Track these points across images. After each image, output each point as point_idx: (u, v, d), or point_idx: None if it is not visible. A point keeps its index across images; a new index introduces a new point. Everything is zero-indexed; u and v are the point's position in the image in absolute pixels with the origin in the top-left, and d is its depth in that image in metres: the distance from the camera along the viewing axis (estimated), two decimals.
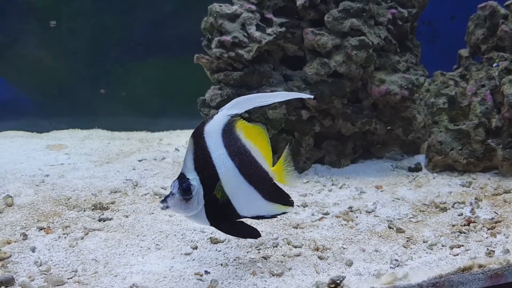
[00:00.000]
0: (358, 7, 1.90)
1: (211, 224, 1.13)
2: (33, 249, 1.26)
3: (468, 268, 1.16)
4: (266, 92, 1.84)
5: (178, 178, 1.09)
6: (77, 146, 2.48)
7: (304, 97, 1.29)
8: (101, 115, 2.88)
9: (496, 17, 2.06)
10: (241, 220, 1.16)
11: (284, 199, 1.17)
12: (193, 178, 1.08)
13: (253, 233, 1.17)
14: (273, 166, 1.16)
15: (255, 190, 1.13)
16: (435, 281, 1.12)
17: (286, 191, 1.18)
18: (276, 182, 1.16)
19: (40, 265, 1.18)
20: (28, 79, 2.80)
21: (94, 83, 2.87)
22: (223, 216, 1.13)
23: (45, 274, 1.14)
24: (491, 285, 1.17)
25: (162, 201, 1.09)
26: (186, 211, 1.09)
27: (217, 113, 1.12)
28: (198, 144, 1.09)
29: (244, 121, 1.14)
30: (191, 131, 3.01)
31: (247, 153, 1.13)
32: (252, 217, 1.16)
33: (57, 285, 1.10)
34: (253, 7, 1.95)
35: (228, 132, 1.12)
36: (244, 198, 1.12)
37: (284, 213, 1.18)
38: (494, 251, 1.27)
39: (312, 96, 1.30)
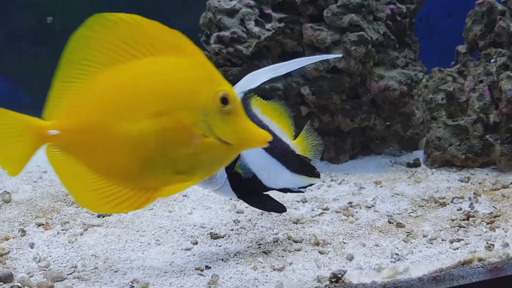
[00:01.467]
0: (357, 3, 1.91)
1: (238, 197, 1.18)
2: (31, 245, 1.25)
3: (468, 262, 1.16)
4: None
5: None
6: None
7: (324, 58, 1.29)
8: None
9: (493, 13, 2.07)
10: (268, 193, 1.20)
11: (310, 171, 1.20)
12: None
13: (278, 208, 1.21)
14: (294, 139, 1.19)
15: (279, 162, 1.16)
16: (435, 274, 1.12)
17: (310, 163, 1.21)
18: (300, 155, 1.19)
19: (39, 261, 1.17)
20: (25, 76, 2.79)
21: None
22: (249, 188, 1.16)
23: (44, 270, 1.13)
24: (491, 278, 1.17)
25: None
26: (211, 186, 1.14)
27: None
28: None
29: (259, 97, 1.15)
30: None
31: (265, 128, 1.15)
32: (280, 190, 1.19)
33: (56, 281, 1.08)
34: (252, 2, 1.95)
35: (245, 109, 1.13)
36: (268, 171, 1.16)
37: (310, 184, 1.21)
38: (493, 245, 1.27)
39: (339, 56, 1.28)
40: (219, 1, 1.96)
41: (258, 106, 1.15)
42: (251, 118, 1.12)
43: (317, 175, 1.20)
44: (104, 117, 0.83)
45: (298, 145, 1.20)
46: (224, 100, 0.83)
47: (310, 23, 1.94)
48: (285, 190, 1.20)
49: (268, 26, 1.92)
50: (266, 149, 1.14)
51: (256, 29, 1.90)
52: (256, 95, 1.15)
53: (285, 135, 1.18)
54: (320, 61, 1.93)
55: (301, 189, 1.22)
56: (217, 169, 0.94)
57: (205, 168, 0.88)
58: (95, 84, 0.84)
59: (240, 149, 0.90)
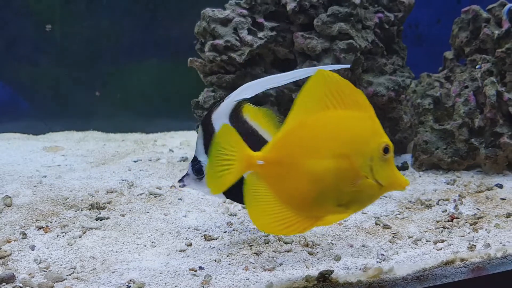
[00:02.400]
0: (346, 12, 1.97)
1: (227, 197, 1.29)
2: (32, 248, 1.29)
3: (451, 262, 1.21)
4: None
5: (191, 161, 1.26)
6: (73, 147, 2.51)
7: (327, 68, 1.35)
8: (96, 117, 2.91)
9: (478, 20, 2.12)
10: None
11: None
12: (204, 160, 1.23)
13: None
14: None
15: None
16: (419, 274, 1.16)
17: None
18: None
19: (40, 263, 1.21)
20: (25, 82, 2.83)
21: (89, 86, 2.90)
22: (237, 189, 1.21)
23: (44, 271, 1.17)
24: (473, 277, 1.22)
25: (179, 181, 1.28)
26: (201, 188, 1.26)
27: (223, 101, 1.24)
28: (207, 130, 1.23)
29: (251, 104, 1.24)
30: (185, 133, 3.07)
31: (255, 132, 1.24)
32: None
33: (56, 282, 1.12)
34: (245, 12, 2.01)
35: (235, 116, 1.23)
36: None
37: None
38: (475, 246, 1.32)
39: (347, 66, 1.35)
40: (213, 11, 2.02)
41: (248, 112, 1.24)
42: (243, 124, 1.22)
43: None
44: (297, 154, 1.01)
45: None
46: (386, 150, 1.01)
47: (301, 31, 2.00)
48: None
49: (260, 34, 1.98)
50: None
51: (249, 38, 1.96)
52: (249, 103, 1.23)
53: (271, 138, 1.25)
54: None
55: None
56: (367, 205, 1.09)
57: (359, 203, 1.05)
58: (297, 125, 1.02)
59: (387, 190, 1.06)
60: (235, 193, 1.23)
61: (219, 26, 1.99)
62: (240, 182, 1.21)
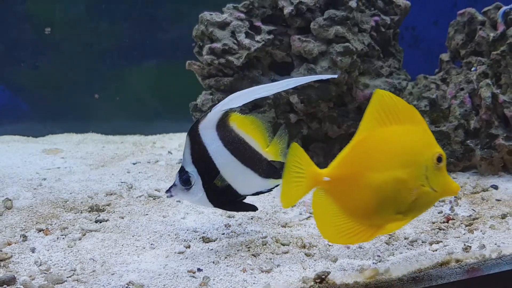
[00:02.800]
0: (343, 15, 1.99)
1: (214, 206, 1.31)
2: (33, 250, 1.31)
3: (446, 263, 1.22)
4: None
5: (179, 171, 1.26)
6: (73, 150, 2.52)
7: (314, 79, 1.42)
8: (95, 119, 2.92)
9: (474, 23, 2.14)
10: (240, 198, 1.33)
11: (277, 174, 1.31)
12: (192, 171, 1.25)
13: (251, 208, 1.35)
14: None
15: (252, 171, 1.28)
16: (414, 275, 1.17)
17: (276, 167, 1.33)
18: (272, 160, 1.32)
19: (40, 265, 1.22)
20: (24, 84, 2.84)
21: (88, 88, 2.92)
22: (225, 198, 1.29)
23: (45, 273, 1.18)
24: (468, 278, 1.23)
25: (167, 191, 1.28)
26: (189, 198, 1.28)
27: (210, 111, 1.25)
28: (194, 140, 1.24)
29: (237, 113, 1.27)
30: (183, 134, 3.08)
31: (241, 140, 1.27)
32: (252, 194, 1.33)
33: (57, 283, 1.14)
34: (242, 16, 2.03)
35: (222, 126, 1.26)
36: (243, 180, 1.29)
37: (277, 185, 1.33)
38: (470, 247, 1.33)
39: (334, 76, 1.40)
40: (211, 14, 2.04)
41: (235, 121, 1.27)
42: (229, 133, 1.26)
43: (280, 176, 1.30)
44: (359, 169, 1.10)
45: (270, 152, 1.31)
46: (439, 159, 1.10)
47: (298, 35, 2.01)
48: (257, 193, 1.34)
49: (258, 38, 2.00)
50: (241, 161, 1.27)
51: (246, 41, 1.97)
52: (236, 112, 1.26)
53: (258, 145, 1.29)
54: (308, 71, 2.01)
55: (270, 190, 1.35)
56: (423, 211, 1.17)
57: (417, 210, 1.13)
58: (359, 142, 1.12)
59: (442, 196, 1.15)
60: (221, 202, 1.31)
61: (217, 30, 2.01)
62: (225, 192, 1.27)
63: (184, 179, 1.25)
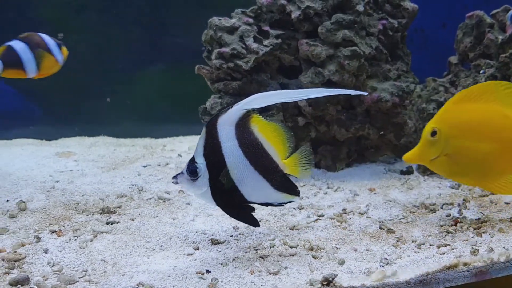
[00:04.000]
0: (350, 19, 2.00)
1: (217, 205, 1.27)
2: (46, 251, 1.34)
3: (454, 266, 1.22)
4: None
5: (189, 160, 1.24)
6: (85, 153, 2.56)
7: (343, 93, 1.41)
8: (107, 122, 2.96)
9: (482, 26, 2.14)
10: (248, 205, 1.29)
11: (292, 190, 1.27)
12: (201, 163, 1.23)
13: (253, 222, 1.30)
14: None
15: (264, 179, 1.24)
16: (422, 278, 1.18)
17: (293, 182, 1.29)
18: (288, 174, 1.27)
19: (53, 266, 1.26)
20: (37, 89, 2.89)
21: (100, 92, 2.95)
22: (229, 200, 1.26)
23: (57, 273, 1.22)
24: (476, 281, 1.23)
25: (174, 177, 1.26)
26: (192, 189, 1.26)
27: (232, 106, 1.23)
28: (210, 133, 1.22)
29: (260, 116, 1.24)
30: (193, 137, 3.12)
31: (259, 145, 1.23)
32: (261, 204, 1.28)
33: (69, 284, 1.17)
34: (251, 20, 2.05)
35: (242, 126, 1.23)
36: (252, 186, 1.24)
37: (290, 201, 1.29)
38: (478, 250, 1.33)
39: (364, 93, 1.39)
40: (219, 19, 2.06)
41: (256, 124, 1.24)
42: (248, 135, 1.22)
43: (297, 194, 1.28)
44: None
45: (288, 165, 1.26)
46: None
47: (306, 39, 2.03)
48: (266, 204, 1.29)
49: (266, 42, 2.02)
50: (254, 166, 1.23)
51: (254, 45, 1.99)
52: (258, 114, 1.24)
53: (277, 154, 1.25)
54: (315, 74, 2.02)
55: (281, 204, 1.30)
56: None
57: None
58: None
59: None
60: (224, 203, 1.27)
61: (226, 34, 2.03)
62: (230, 193, 1.24)
63: (191, 169, 1.23)
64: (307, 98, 1.32)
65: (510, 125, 1.45)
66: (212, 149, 1.22)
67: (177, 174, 1.26)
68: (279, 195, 1.27)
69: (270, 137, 1.24)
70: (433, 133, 1.50)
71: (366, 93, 1.40)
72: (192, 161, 1.23)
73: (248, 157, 1.22)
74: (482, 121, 1.47)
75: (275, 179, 1.25)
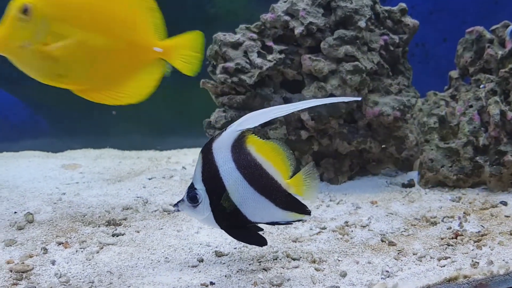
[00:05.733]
0: (352, 35, 2.04)
1: (221, 228, 1.27)
2: (53, 262, 1.36)
3: (454, 279, 1.24)
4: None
5: (188, 187, 1.24)
6: (91, 165, 2.59)
7: (333, 101, 1.34)
8: (112, 135, 2.98)
9: (482, 41, 2.17)
10: (253, 225, 1.29)
11: (300, 208, 1.27)
12: (200, 188, 1.22)
13: (260, 241, 1.29)
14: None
15: (267, 199, 1.23)
16: None
17: (301, 201, 1.27)
18: (293, 194, 1.25)
19: (60, 277, 1.27)
20: (44, 102, 2.92)
21: (106, 105, 2.99)
22: (233, 221, 1.26)
23: (64, 285, 1.23)
24: None
25: (174, 205, 1.27)
26: (195, 215, 1.26)
27: (225, 130, 1.22)
28: (206, 159, 1.21)
29: (255, 136, 1.23)
30: (198, 150, 3.14)
31: (258, 166, 1.21)
32: (267, 223, 1.28)
33: None
34: (255, 36, 2.09)
35: (238, 147, 1.21)
36: (254, 206, 1.23)
37: (300, 220, 1.29)
38: (478, 263, 1.34)
39: (358, 98, 1.35)
40: (224, 35, 2.11)
41: (253, 144, 1.22)
42: (245, 156, 1.21)
43: (307, 213, 1.27)
44: None
45: (292, 185, 1.24)
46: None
47: (309, 54, 2.07)
48: (272, 223, 1.27)
49: (269, 57, 2.06)
50: (254, 187, 1.22)
51: (258, 60, 2.03)
52: (253, 134, 1.22)
53: (279, 174, 1.23)
54: (318, 89, 2.06)
55: (289, 222, 1.29)
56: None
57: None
58: None
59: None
60: (228, 225, 1.26)
61: (230, 50, 2.08)
62: (233, 215, 1.23)
63: (191, 196, 1.22)
64: (299, 109, 1.30)
65: (126, 20, 1.02)
66: (210, 174, 1.21)
67: (178, 202, 1.26)
68: (285, 214, 1.25)
69: (269, 157, 1.23)
70: (25, 10, 1.09)
71: (359, 98, 1.38)
72: (191, 187, 1.23)
73: (247, 178, 1.21)
74: (90, 5, 1.05)
75: (279, 199, 1.24)
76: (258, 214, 1.25)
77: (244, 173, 1.21)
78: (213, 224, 1.26)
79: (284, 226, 1.65)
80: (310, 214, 1.28)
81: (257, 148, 1.22)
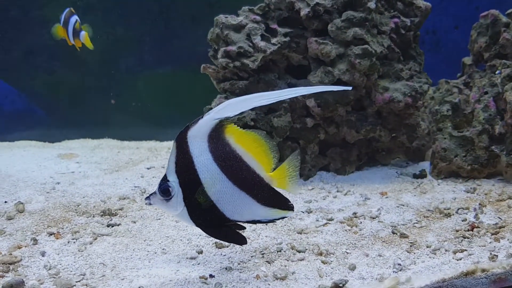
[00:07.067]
0: (361, 17, 1.94)
1: (196, 225, 1.14)
2: (43, 254, 1.30)
3: (471, 273, 1.17)
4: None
5: (161, 179, 1.11)
6: (88, 155, 2.54)
7: (316, 91, 1.16)
8: (111, 125, 2.95)
9: (498, 25, 2.08)
10: (232, 224, 1.16)
11: (283, 204, 1.14)
12: (173, 181, 1.09)
13: (239, 240, 1.16)
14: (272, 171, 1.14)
15: (247, 195, 1.11)
16: (438, 285, 1.13)
17: (285, 196, 1.15)
18: (277, 188, 1.14)
19: (50, 269, 1.21)
20: (41, 90, 2.89)
21: (105, 94, 2.94)
22: (210, 219, 1.13)
23: (54, 277, 1.17)
24: None
25: (146, 198, 1.13)
26: (167, 210, 1.12)
27: (202, 117, 1.09)
28: (181, 148, 1.09)
29: (235, 126, 1.11)
30: None
31: (237, 158, 1.10)
32: (247, 222, 1.15)
33: None
34: (258, 18, 2.00)
35: (216, 137, 1.09)
36: (233, 203, 1.11)
37: (283, 217, 1.16)
38: (497, 256, 1.27)
39: (349, 88, 1.18)
40: (226, 17, 2.02)
41: (232, 134, 1.10)
42: (223, 147, 1.09)
43: (290, 208, 1.15)
44: None
45: (275, 178, 1.13)
46: None
47: (315, 37, 1.98)
48: (253, 222, 1.15)
49: (273, 40, 1.97)
50: (233, 182, 1.11)
51: (262, 44, 1.94)
52: (233, 124, 1.10)
53: (260, 167, 1.12)
54: (325, 74, 1.97)
55: (272, 221, 1.17)
56: None
57: None
58: None
59: None
60: (204, 223, 1.14)
61: (232, 33, 1.99)
62: (209, 212, 1.11)
63: (163, 189, 1.09)
64: (284, 98, 1.16)
65: None
66: (184, 165, 1.08)
67: (150, 194, 1.13)
68: (268, 211, 1.14)
69: (250, 148, 1.12)
70: None
71: (350, 88, 1.20)
72: (164, 179, 1.10)
73: (225, 171, 1.09)
74: None
75: (260, 194, 1.12)
76: (237, 211, 1.12)
77: (221, 166, 1.09)
78: (188, 220, 1.13)
79: (288, 217, 1.58)
80: (293, 210, 1.15)
81: (236, 139, 1.10)
